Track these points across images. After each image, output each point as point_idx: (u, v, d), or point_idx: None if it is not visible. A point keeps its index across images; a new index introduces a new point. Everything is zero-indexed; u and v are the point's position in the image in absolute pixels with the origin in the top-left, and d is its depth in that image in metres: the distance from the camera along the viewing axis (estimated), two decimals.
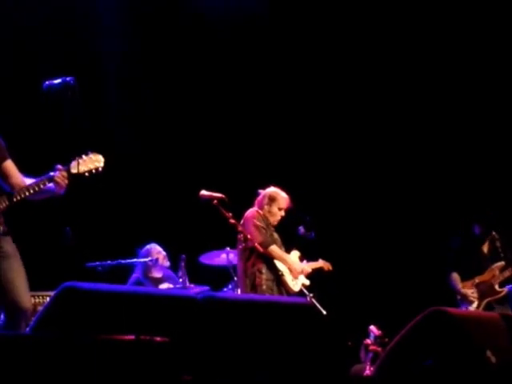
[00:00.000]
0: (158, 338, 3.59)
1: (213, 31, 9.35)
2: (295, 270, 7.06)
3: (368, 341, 7.32)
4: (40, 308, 5.91)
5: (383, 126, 9.50)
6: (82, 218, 7.54)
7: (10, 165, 5.08)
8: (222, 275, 7.66)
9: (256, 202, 7.17)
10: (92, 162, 5.07)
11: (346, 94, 9.58)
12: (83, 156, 5.06)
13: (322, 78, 9.54)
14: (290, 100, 9.54)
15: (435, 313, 4.49)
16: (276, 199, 7.12)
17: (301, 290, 7.12)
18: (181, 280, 7.30)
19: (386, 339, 7.26)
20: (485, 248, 7.83)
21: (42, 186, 4.95)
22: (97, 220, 8.51)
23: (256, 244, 6.81)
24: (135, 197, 9.04)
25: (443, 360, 4.34)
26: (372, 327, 7.63)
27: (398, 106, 9.51)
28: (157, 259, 7.60)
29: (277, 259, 6.96)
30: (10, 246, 4.87)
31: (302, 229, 7.24)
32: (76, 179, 4.96)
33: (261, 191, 7.17)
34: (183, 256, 7.39)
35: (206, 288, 7.47)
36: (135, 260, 7.54)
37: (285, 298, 7.03)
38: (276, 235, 7.10)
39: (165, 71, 9.38)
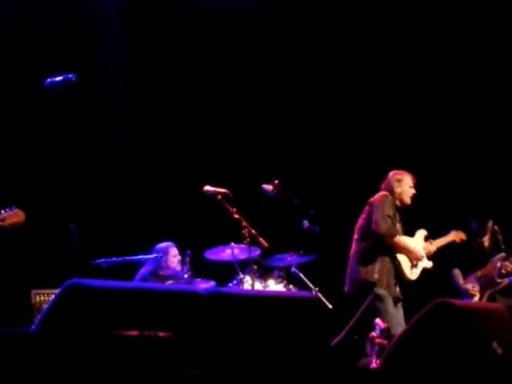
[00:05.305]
0: (162, 334, 3.59)
1: (214, 28, 9.35)
2: (416, 258, 7.03)
3: (374, 334, 7.29)
4: (45, 305, 5.92)
5: (382, 127, 9.48)
6: (87, 215, 7.55)
7: None
8: (227, 270, 7.67)
9: (383, 187, 7.17)
10: (15, 216, 5.43)
11: (348, 91, 9.57)
12: (8, 210, 5.39)
13: (321, 75, 9.53)
14: (294, 93, 9.53)
15: (440, 305, 4.48)
16: (403, 179, 7.15)
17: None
18: (186, 276, 7.30)
19: (392, 332, 7.25)
20: (485, 242, 7.88)
21: None
22: (102, 217, 8.52)
23: (379, 232, 6.82)
24: (140, 193, 9.05)
25: (449, 352, 4.33)
26: (378, 320, 7.60)
27: (395, 109, 9.50)
28: (161, 256, 7.58)
29: (398, 250, 6.96)
30: None
31: (306, 223, 7.23)
32: None
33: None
34: (189, 251, 7.39)
35: (213, 283, 7.48)
36: (140, 257, 7.52)
37: (290, 293, 7.03)
38: (398, 225, 7.05)
39: (167, 67, 9.38)
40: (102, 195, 8.62)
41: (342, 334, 6.64)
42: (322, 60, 9.53)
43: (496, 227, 7.81)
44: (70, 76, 5.29)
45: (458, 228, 7.57)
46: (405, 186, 7.14)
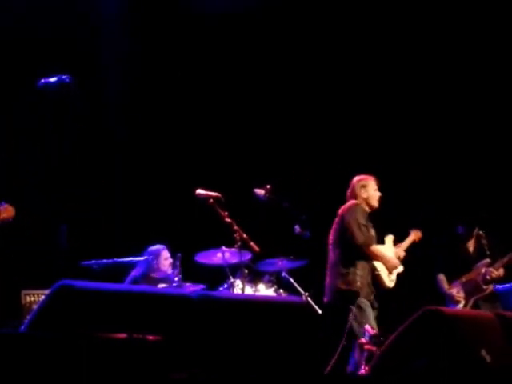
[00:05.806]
0: (151, 337, 3.60)
1: (214, 28, 9.36)
2: (392, 266, 7.08)
3: (363, 340, 7.30)
4: (35, 306, 5.93)
5: (376, 131, 9.49)
6: (77, 216, 7.55)
7: None
8: (217, 274, 7.66)
9: (349, 196, 7.17)
10: (4, 211, 5.46)
11: (343, 94, 9.57)
12: None
13: (319, 77, 9.53)
14: (287, 98, 9.53)
15: (429, 312, 4.49)
16: (368, 183, 7.16)
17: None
18: (176, 279, 7.29)
19: (381, 338, 7.26)
20: (470, 247, 7.87)
21: None
22: (93, 218, 8.51)
23: (357, 244, 6.83)
24: (131, 195, 9.05)
25: (437, 359, 4.34)
26: (367, 326, 7.62)
27: (389, 115, 9.50)
28: (153, 259, 7.57)
29: (376, 259, 6.98)
30: None
31: (297, 228, 7.22)
32: None
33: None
34: (179, 254, 7.38)
35: (202, 287, 7.47)
36: (131, 259, 7.51)
37: (280, 297, 7.03)
38: (372, 230, 7.06)
39: (167, 67, 9.39)
40: (95, 196, 8.61)
41: (335, 358, 6.63)
42: (321, 61, 9.52)
43: (481, 232, 7.79)
44: (63, 77, 5.27)
45: (415, 227, 7.60)
46: (370, 190, 7.14)
